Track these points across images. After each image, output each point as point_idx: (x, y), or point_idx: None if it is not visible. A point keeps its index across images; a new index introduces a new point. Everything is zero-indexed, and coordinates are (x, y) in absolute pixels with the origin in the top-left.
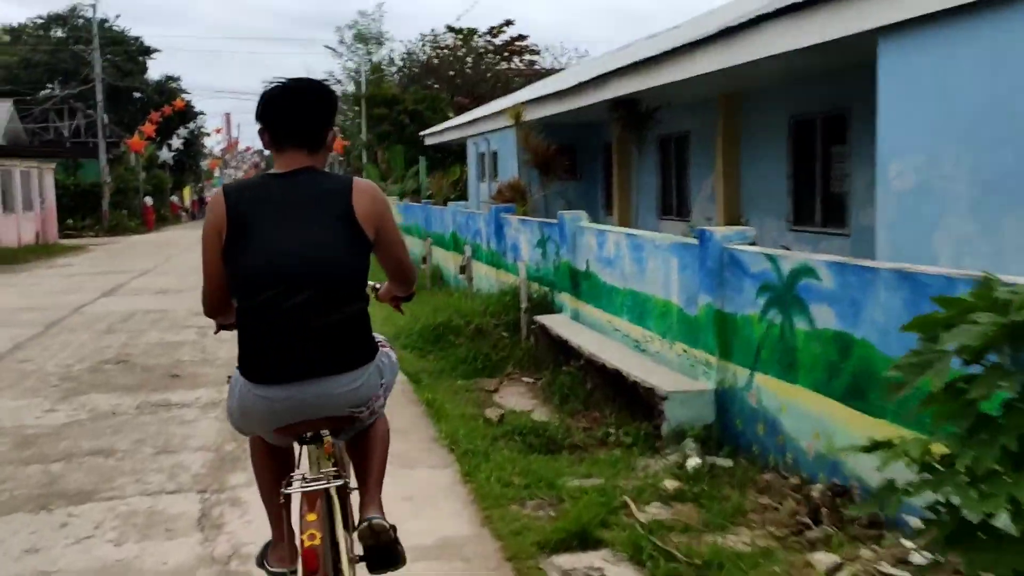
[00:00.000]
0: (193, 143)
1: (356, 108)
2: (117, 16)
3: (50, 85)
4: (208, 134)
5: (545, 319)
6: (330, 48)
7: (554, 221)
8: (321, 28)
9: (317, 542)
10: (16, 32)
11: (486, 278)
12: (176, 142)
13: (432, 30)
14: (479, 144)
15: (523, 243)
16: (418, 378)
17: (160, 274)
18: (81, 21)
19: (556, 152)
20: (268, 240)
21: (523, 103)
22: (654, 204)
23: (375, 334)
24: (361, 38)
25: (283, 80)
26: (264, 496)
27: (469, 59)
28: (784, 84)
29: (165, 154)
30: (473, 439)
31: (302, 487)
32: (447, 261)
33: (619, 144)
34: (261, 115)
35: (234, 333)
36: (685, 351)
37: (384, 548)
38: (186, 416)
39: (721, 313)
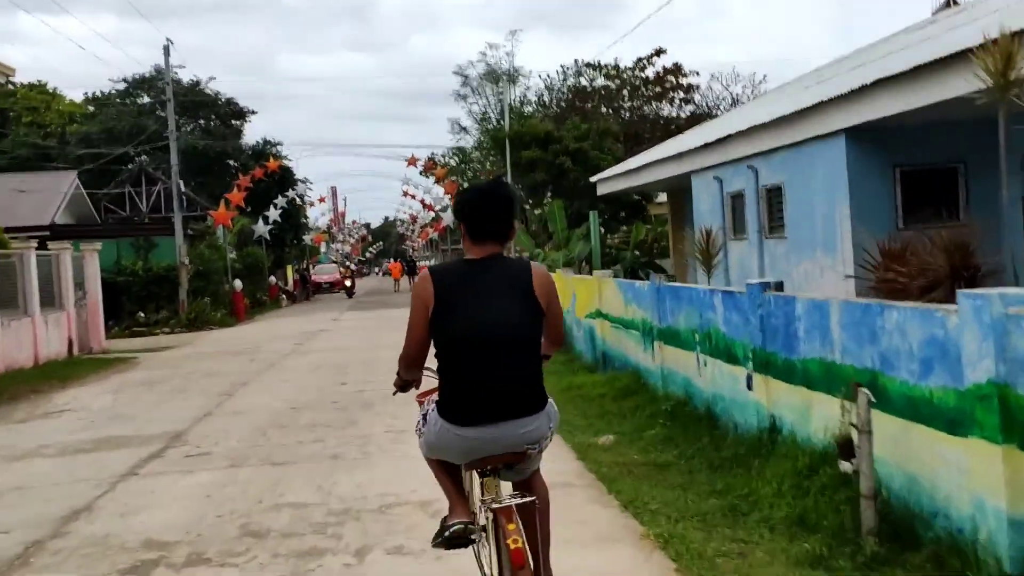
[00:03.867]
0: (294, 214)
1: (493, 157)
2: (211, 79)
3: (133, 155)
4: (312, 203)
5: None
6: (461, 84)
7: None
8: (428, 105)
9: (520, 544)
10: (101, 101)
11: None
12: (273, 213)
13: (576, 61)
14: (728, 180)
15: None
16: None
17: (199, 454)
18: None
19: None
20: (470, 312)
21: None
22: None
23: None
24: (491, 76)
25: (479, 186)
26: (440, 479)
27: (624, 93)
28: None
29: (261, 228)
30: None
31: (497, 505)
32: (930, 456)
33: None
34: (461, 214)
35: None
36: None
37: None
38: None
39: None
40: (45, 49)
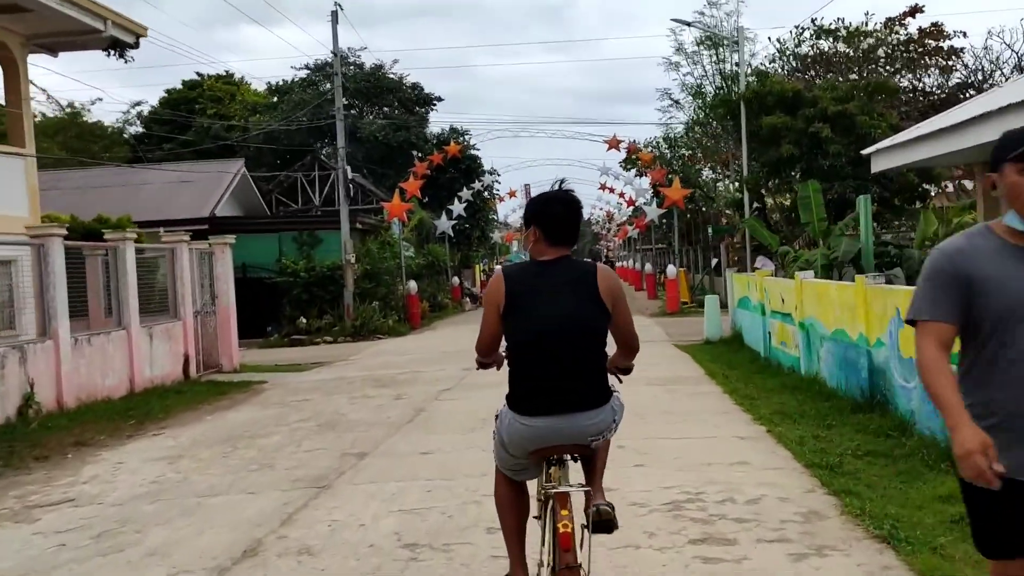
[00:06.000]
0: (480, 208)
1: (709, 141)
2: (395, 61)
3: (317, 144)
4: (501, 198)
5: None
6: (674, 49)
7: None
8: (614, 104)
9: (569, 529)
10: (283, 90)
11: None
12: (458, 207)
13: (814, 20)
14: None
15: None
16: None
17: None
18: (352, 69)
19: None
20: (537, 309)
21: None
22: None
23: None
24: (710, 41)
25: (554, 193)
26: (506, 532)
27: (879, 54)
28: None
29: (444, 223)
30: None
31: (556, 490)
32: None
33: None
34: (536, 220)
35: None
36: None
37: (607, 523)
38: None
39: None
40: (250, 53)
